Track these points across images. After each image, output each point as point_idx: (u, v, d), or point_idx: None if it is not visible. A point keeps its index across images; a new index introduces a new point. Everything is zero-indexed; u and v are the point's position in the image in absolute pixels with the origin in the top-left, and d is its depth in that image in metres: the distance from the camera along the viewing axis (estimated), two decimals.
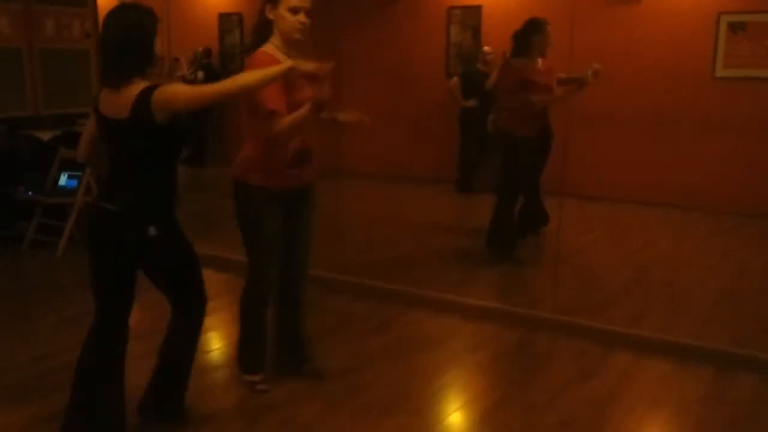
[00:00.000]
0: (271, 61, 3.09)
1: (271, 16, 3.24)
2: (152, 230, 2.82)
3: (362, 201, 8.33)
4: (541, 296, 4.84)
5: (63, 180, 5.94)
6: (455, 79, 8.64)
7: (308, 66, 2.99)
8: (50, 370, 3.71)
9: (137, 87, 2.70)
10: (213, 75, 10.53)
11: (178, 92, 2.71)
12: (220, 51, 10.89)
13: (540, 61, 5.46)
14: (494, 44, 8.55)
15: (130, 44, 2.71)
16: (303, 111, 3.06)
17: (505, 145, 5.57)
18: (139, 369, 3.23)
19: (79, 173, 5.83)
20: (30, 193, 5.80)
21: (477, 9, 8.90)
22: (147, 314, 3.84)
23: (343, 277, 5.20)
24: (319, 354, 3.91)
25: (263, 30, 3.27)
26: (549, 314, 4.47)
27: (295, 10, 3.19)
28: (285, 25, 3.21)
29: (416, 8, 9.29)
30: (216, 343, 4.31)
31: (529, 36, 5.40)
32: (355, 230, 6.59)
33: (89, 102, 3.23)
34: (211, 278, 5.41)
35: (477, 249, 6.10)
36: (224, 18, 10.84)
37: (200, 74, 10.34)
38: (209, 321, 4.59)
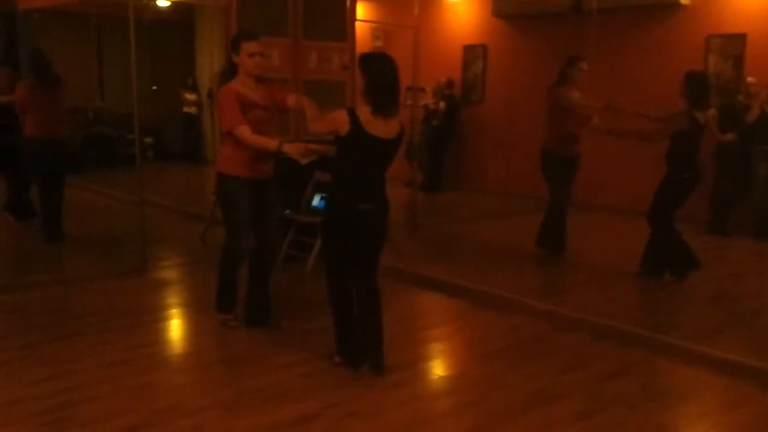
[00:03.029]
0: (232, 94, 4.29)
1: (235, 60, 4.38)
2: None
3: (598, 235, 8.00)
4: None
5: (316, 201, 6.39)
6: (712, 110, 8.00)
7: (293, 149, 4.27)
8: (297, 377, 3.98)
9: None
10: (453, 105, 10.81)
11: None
12: (463, 81, 11.14)
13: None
14: (759, 75, 7.82)
15: (398, 85, 3.82)
16: (272, 145, 4.27)
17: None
18: None
19: None
20: (287, 211, 6.31)
21: (741, 37, 8.20)
22: None
23: (579, 314, 4.99)
24: (551, 393, 3.80)
25: (231, 70, 4.44)
26: None
27: (252, 55, 4.34)
28: (247, 66, 4.35)
29: (672, 35, 8.78)
30: (441, 370, 4.34)
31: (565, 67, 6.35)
32: (593, 266, 6.33)
33: None
34: (440, 304, 5.55)
35: (730, 297, 5.56)
36: (469, 49, 11.08)
37: (442, 104, 10.64)
38: (437, 347, 4.69)
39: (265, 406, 3.63)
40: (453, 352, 4.69)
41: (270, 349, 4.39)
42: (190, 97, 13.30)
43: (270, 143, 4.28)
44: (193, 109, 13.37)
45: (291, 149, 4.19)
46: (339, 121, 3.78)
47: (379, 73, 3.76)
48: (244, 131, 4.29)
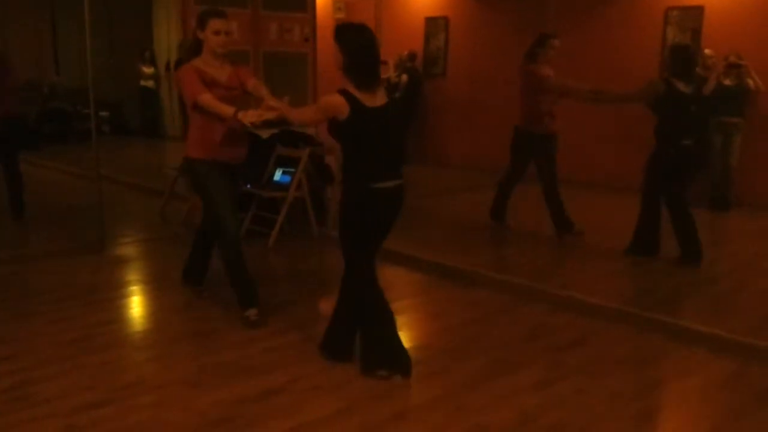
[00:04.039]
0: (191, 69, 4.23)
1: (200, 36, 4.29)
2: None
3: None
4: (763, 324, 4.39)
5: (278, 175, 6.34)
6: None
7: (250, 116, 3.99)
8: (261, 351, 3.98)
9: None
10: (416, 78, 10.77)
11: None
12: (425, 54, 11.09)
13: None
14: (716, 47, 7.94)
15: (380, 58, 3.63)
16: (228, 111, 4.07)
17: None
18: None
19: (292, 170, 6.19)
20: (249, 186, 6.25)
21: (698, 10, 8.30)
22: None
23: (540, 286, 5.06)
24: (513, 363, 3.85)
25: (196, 47, 4.36)
26: None
27: (217, 33, 4.23)
28: (210, 44, 4.25)
29: (631, 8, 8.85)
30: (404, 343, 4.34)
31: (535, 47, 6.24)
32: (555, 240, 6.41)
33: (305, 103, 3.58)
34: (402, 278, 5.57)
35: (684, 266, 5.69)
36: (430, 21, 11.03)
37: (404, 77, 10.59)
38: (400, 320, 4.70)
39: (229, 381, 3.62)
40: (416, 325, 4.72)
41: (233, 325, 4.37)
42: (148, 70, 13.03)
43: (226, 109, 4.14)
44: (150, 83, 13.10)
45: (245, 117, 4.05)
46: (333, 106, 3.50)
47: (362, 48, 3.50)
48: (206, 98, 4.17)
